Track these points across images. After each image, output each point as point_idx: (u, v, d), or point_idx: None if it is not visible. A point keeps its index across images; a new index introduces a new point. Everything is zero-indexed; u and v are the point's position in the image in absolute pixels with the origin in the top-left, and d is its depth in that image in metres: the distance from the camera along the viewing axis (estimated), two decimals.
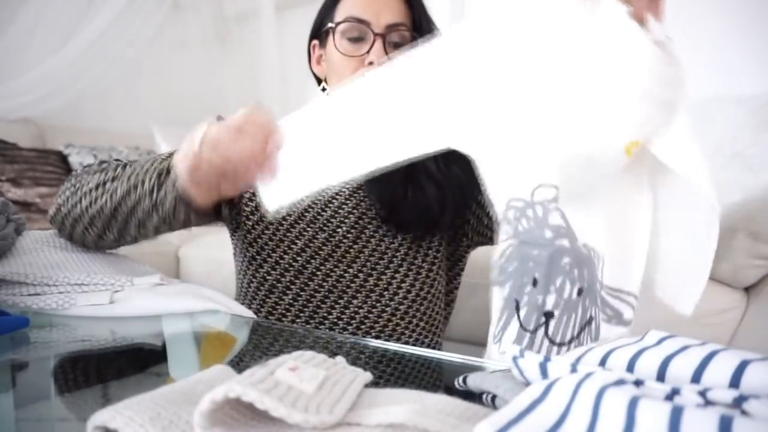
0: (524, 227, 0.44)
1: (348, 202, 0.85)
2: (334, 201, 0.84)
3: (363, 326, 0.80)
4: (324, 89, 0.89)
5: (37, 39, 2.22)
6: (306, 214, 0.82)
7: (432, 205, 0.80)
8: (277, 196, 0.58)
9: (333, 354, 0.33)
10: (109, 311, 0.61)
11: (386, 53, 0.79)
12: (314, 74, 0.92)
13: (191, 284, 0.77)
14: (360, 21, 0.79)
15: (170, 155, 0.66)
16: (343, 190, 0.86)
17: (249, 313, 0.67)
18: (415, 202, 0.80)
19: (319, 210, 0.83)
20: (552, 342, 0.46)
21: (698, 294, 0.45)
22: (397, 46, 0.81)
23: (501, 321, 0.46)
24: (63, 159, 2.11)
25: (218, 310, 0.64)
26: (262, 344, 0.60)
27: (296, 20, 0.92)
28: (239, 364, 0.50)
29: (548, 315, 0.45)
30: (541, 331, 0.46)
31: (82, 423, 0.25)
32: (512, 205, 0.45)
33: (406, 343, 0.81)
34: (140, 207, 0.66)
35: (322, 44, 0.86)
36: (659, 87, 0.41)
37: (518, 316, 0.46)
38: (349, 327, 0.79)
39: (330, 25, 0.82)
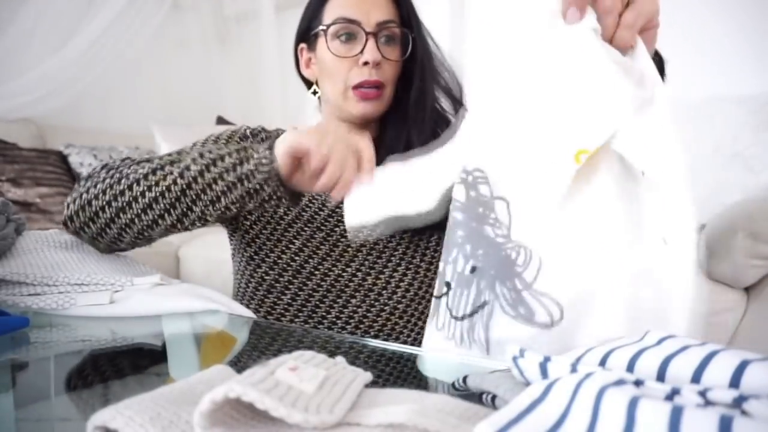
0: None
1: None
2: (331, 200, 0.84)
3: (362, 325, 0.80)
4: (315, 92, 0.88)
5: (37, 39, 2.22)
6: (303, 213, 0.82)
7: None
8: (360, 212, 0.58)
9: (333, 354, 0.33)
10: (109, 311, 0.61)
11: (379, 51, 0.79)
12: (303, 78, 0.92)
13: (191, 284, 0.77)
14: (351, 21, 0.79)
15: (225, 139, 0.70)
16: None
17: (249, 313, 0.67)
18: None
19: (317, 209, 0.83)
20: (451, 314, 0.49)
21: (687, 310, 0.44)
22: (389, 42, 0.81)
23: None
24: (63, 159, 2.11)
25: (218, 310, 0.64)
26: (262, 344, 0.60)
27: (296, 20, 0.92)
28: (239, 364, 0.50)
29: (447, 285, 0.49)
30: (444, 300, 0.49)
31: (82, 423, 0.25)
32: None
33: (405, 342, 0.81)
34: (220, 182, 0.61)
35: (311, 47, 0.86)
36: (608, 98, 0.43)
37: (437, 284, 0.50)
38: (348, 326, 0.79)
39: (321, 27, 0.81)
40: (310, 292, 0.79)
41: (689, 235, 0.42)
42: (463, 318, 0.48)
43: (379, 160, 0.82)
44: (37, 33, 2.22)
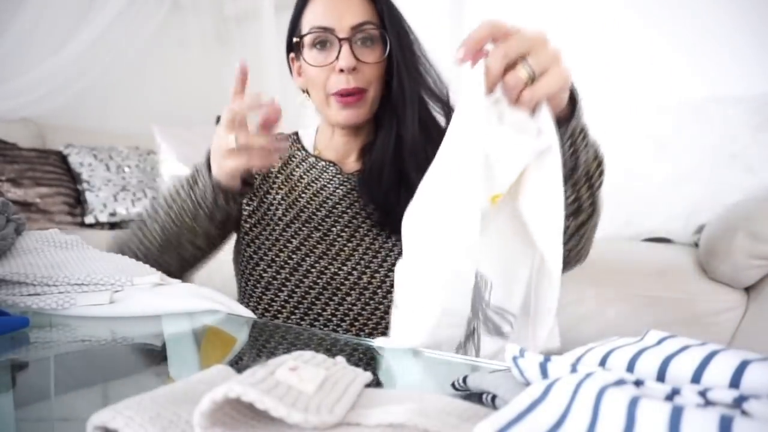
0: None
1: (342, 202, 0.85)
2: (328, 201, 0.85)
3: (357, 323, 0.80)
4: (308, 99, 0.89)
5: (37, 39, 2.22)
6: (301, 214, 0.83)
7: None
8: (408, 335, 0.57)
9: (333, 354, 0.33)
10: (109, 311, 0.61)
11: (355, 56, 0.78)
12: (299, 87, 0.92)
13: (191, 284, 0.77)
14: (323, 29, 0.79)
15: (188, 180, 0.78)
16: (338, 190, 0.86)
17: (249, 313, 0.67)
18: (407, 204, 0.80)
19: (314, 210, 0.84)
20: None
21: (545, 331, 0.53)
22: (366, 44, 0.80)
23: None
24: (63, 159, 2.11)
25: (218, 310, 0.64)
26: (262, 344, 0.60)
27: None
28: (239, 364, 0.50)
29: None
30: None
31: (82, 423, 0.25)
32: None
33: None
34: (185, 214, 0.76)
35: (297, 57, 0.86)
36: (505, 152, 0.49)
37: None
38: (343, 324, 0.80)
39: (296, 39, 0.83)
40: (306, 289, 0.80)
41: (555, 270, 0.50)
42: (458, 348, 0.53)
43: (372, 162, 0.84)
44: (37, 33, 2.22)
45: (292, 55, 0.89)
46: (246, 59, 0.75)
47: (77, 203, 2.05)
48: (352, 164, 0.91)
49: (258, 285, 0.82)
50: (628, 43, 1.94)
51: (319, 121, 0.95)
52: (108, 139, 2.35)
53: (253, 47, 2.86)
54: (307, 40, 0.81)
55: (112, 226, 2.10)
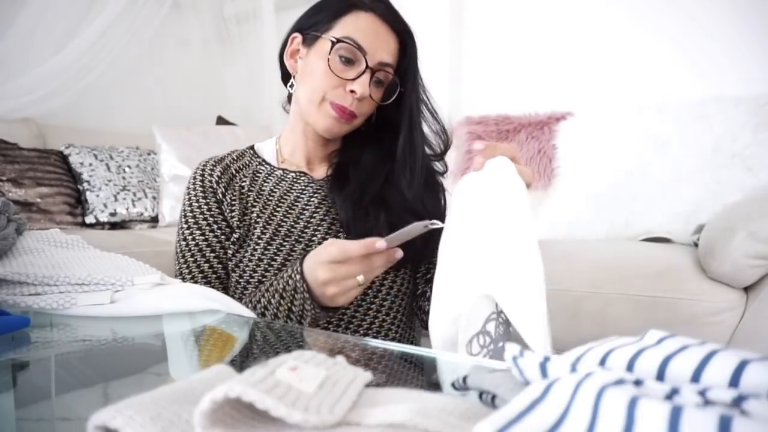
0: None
1: (318, 210, 0.85)
2: (305, 212, 0.85)
3: (351, 325, 0.81)
4: (292, 85, 0.89)
5: (37, 39, 2.22)
6: (280, 229, 0.83)
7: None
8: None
9: (333, 354, 0.33)
10: (109, 311, 0.61)
11: (369, 87, 0.81)
12: (281, 66, 0.91)
13: (191, 284, 0.77)
14: (359, 48, 0.80)
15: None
16: (312, 199, 0.86)
17: (249, 313, 0.67)
18: (376, 218, 0.83)
19: (292, 223, 0.83)
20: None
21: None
22: (378, 83, 0.84)
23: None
24: (63, 159, 2.11)
25: (218, 309, 0.64)
26: (262, 344, 0.60)
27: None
28: (239, 364, 0.50)
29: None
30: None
31: (83, 422, 0.25)
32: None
33: (393, 339, 0.83)
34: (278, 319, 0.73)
35: (306, 44, 0.85)
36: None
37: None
38: (338, 329, 0.81)
39: (330, 38, 0.81)
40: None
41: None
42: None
43: (351, 180, 0.86)
44: (37, 33, 2.22)
45: (296, 35, 0.87)
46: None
47: (78, 203, 2.05)
48: (320, 170, 0.93)
49: (248, 306, 0.82)
50: (628, 44, 1.94)
51: (285, 127, 0.95)
52: (108, 139, 2.35)
53: (253, 47, 2.86)
54: (337, 45, 0.80)
55: (113, 226, 2.10)
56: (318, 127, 0.85)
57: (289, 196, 0.87)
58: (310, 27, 0.85)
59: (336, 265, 0.63)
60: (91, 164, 2.11)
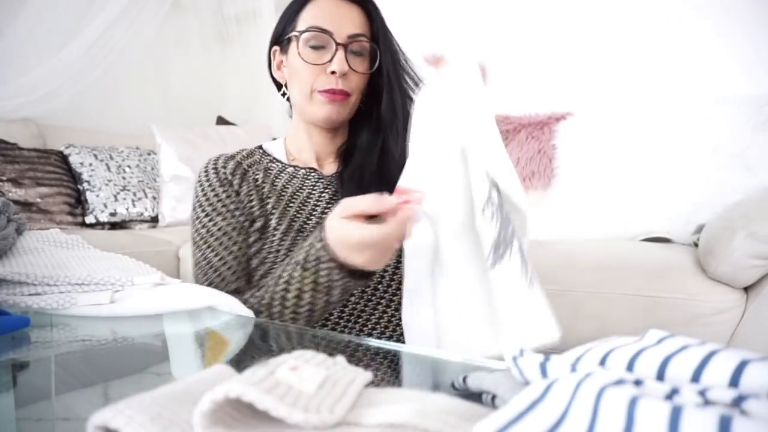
0: None
1: (330, 206, 0.86)
2: (317, 208, 0.86)
3: (360, 321, 0.81)
4: (284, 94, 0.92)
5: (37, 39, 2.22)
6: (293, 224, 0.83)
7: None
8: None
9: (333, 354, 0.33)
10: (109, 311, 0.61)
11: (347, 62, 0.82)
12: (273, 80, 0.95)
13: (191, 284, 0.77)
14: (323, 31, 0.82)
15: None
16: (323, 195, 0.87)
17: (249, 313, 0.67)
18: None
19: (305, 219, 0.84)
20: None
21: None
22: (357, 54, 0.85)
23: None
24: (64, 159, 2.11)
25: (219, 309, 0.64)
26: (262, 344, 0.60)
27: None
28: (239, 364, 0.50)
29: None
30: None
31: (83, 422, 0.25)
32: None
33: (399, 334, 0.83)
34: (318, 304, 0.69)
35: (283, 51, 0.89)
36: None
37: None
38: (348, 324, 0.81)
39: (294, 33, 0.84)
40: None
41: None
42: None
43: (352, 163, 0.87)
44: (37, 33, 2.22)
45: (275, 48, 0.91)
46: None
47: (78, 203, 2.05)
48: (330, 166, 0.93)
49: (269, 285, 0.83)
50: (627, 44, 1.94)
51: (289, 130, 0.96)
52: (108, 139, 2.35)
53: (253, 47, 2.86)
54: (303, 36, 0.83)
55: (113, 226, 2.10)
56: (318, 119, 0.86)
57: (301, 192, 0.88)
58: (281, 34, 0.89)
59: (367, 222, 0.60)
60: (91, 164, 2.11)
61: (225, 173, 0.86)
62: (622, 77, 1.95)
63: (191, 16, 2.94)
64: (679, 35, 1.83)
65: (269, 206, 0.85)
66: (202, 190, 0.86)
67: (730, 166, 1.44)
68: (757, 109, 1.48)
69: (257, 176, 0.88)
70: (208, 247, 0.82)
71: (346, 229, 0.61)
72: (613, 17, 1.97)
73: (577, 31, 2.05)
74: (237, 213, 0.84)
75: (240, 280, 0.82)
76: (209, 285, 0.80)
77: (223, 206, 0.84)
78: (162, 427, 0.25)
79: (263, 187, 0.86)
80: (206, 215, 0.84)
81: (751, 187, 1.37)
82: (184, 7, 2.87)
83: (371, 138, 0.89)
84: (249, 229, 0.84)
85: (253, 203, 0.84)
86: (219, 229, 0.83)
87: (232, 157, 0.89)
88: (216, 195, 0.85)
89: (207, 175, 0.86)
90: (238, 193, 0.85)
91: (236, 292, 0.77)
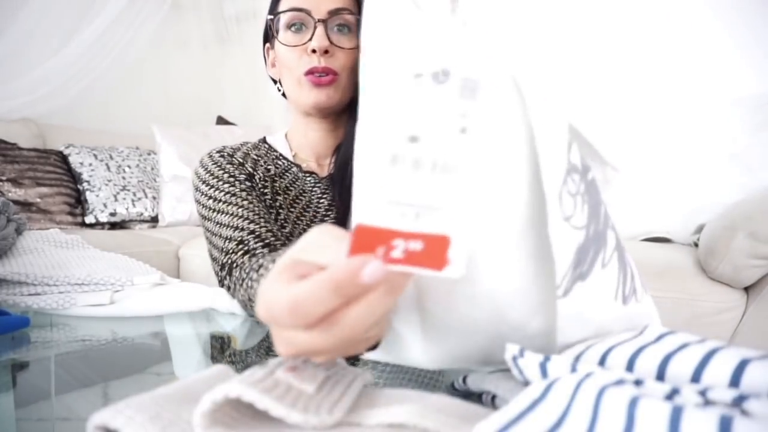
0: None
1: (329, 213, 0.85)
2: (317, 214, 0.84)
3: None
4: (280, 89, 0.89)
5: (37, 39, 2.22)
6: (296, 227, 0.82)
7: None
8: None
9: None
10: (109, 311, 0.61)
11: (329, 39, 0.78)
12: (272, 78, 0.92)
13: (191, 284, 0.77)
14: (300, 10, 0.78)
15: None
16: (322, 200, 0.85)
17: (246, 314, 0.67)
18: None
19: (306, 224, 0.83)
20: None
21: None
22: (342, 30, 0.80)
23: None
24: (63, 159, 2.11)
25: (218, 309, 0.64)
26: (262, 344, 0.60)
27: None
28: (239, 364, 0.50)
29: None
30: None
31: (83, 422, 0.25)
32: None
33: None
34: None
35: (273, 45, 0.85)
36: None
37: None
38: None
39: (270, 17, 0.81)
40: None
41: None
42: None
43: (340, 161, 0.82)
44: (37, 33, 2.22)
45: (267, 45, 0.88)
46: None
47: (78, 203, 2.05)
48: (328, 167, 0.90)
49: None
50: (627, 44, 1.94)
51: (289, 123, 0.93)
52: (108, 139, 2.35)
53: (253, 47, 2.85)
54: (282, 21, 0.80)
55: (113, 226, 2.10)
56: (308, 106, 0.82)
57: (303, 198, 0.86)
58: (267, 29, 0.86)
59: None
60: (91, 164, 2.11)
61: (234, 157, 0.83)
62: (622, 77, 1.95)
63: (191, 16, 2.94)
64: (679, 35, 1.83)
65: (278, 204, 0.83)
66: (208, 172, 0.81)
67: (729, 166, 1.44)
68: (757, 109, 1.48)
69: (269, 167, 0.85)
70: (227, 213, 0.75)
71: (280, 330, 0.31)
72: (612, 18, 1.97)
73: (577, 32, 2.05)
74: (254, 193, 0.79)
75: (269, 233, 0.74)
76: (227, 254, 0.72)
77: (230, 176, 0.80)
78: (161, 426, 0.25)
79: (276, 181, 0.84)
80: (217, 189, 0.79)
81: (751, 187, 1.37)
82: (184, 7, 2.87)
83: (354, 128, 0.84)
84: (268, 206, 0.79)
85: (266, 191, 0.82)
86: (227, 193, 0.77)
87: (238, 148, 0.86)
88: (222, 168, 0.80)
89: (211, 158, 0.83)
90: (252, 176, 0.81)
91: (267, 248, 0.70)
